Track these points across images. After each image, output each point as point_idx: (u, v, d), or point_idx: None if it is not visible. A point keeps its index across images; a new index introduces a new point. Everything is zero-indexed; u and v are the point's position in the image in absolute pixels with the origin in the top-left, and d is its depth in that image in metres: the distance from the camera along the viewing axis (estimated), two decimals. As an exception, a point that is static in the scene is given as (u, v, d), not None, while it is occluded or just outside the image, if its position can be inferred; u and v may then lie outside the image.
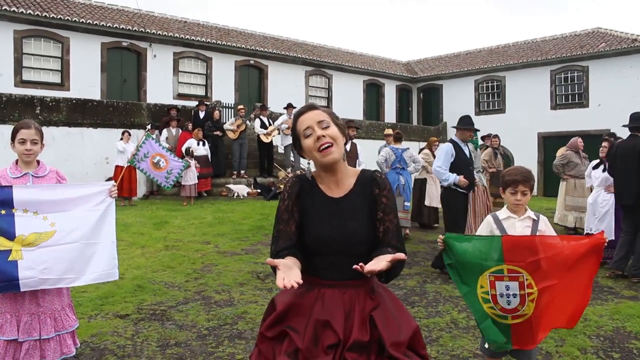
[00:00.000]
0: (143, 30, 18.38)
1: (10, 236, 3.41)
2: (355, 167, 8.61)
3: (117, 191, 3.74)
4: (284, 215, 2.30)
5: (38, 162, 3.68)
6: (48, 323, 3.51)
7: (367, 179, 2.28)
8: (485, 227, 3.41)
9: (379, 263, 1.93)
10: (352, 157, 9.38)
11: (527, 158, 21.14)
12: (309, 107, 2.27)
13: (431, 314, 5.38)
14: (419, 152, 11.52)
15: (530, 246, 2.96)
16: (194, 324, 5.04)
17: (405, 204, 9.31)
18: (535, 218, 3.32)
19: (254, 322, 5.04)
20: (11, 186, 3.44)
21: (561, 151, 10.80)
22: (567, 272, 2.92)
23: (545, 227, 3.32)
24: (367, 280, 2.19)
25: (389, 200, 2.25)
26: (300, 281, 1.88)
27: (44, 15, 16.21)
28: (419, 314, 5.33)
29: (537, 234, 3.23)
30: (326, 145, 2.16)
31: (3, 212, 3.40)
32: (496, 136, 11.78)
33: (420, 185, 10.94)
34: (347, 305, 2.12)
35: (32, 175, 3.59)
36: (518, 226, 3.30)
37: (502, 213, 3.39)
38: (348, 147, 9.18)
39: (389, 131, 10.89)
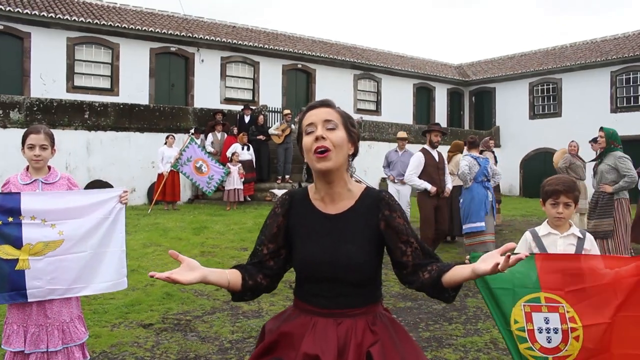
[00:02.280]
0: (191, 36, 18.55)
1: (18, 245, 3.29)
2: (443, 179, 7.93)
3: (127, 197, 3.57)
4: (263, 234, 2.05)
5: (49, 167, 3.54)
6: (55, 335, 3.37)
7: (372, 198, 1.97)
8: (523, 245, 3.04)
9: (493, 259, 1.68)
10: (437, 167, 8.02)
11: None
12: (322, 103, 1.98)
13: (469, 332, 5.00)
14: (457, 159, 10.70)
15: (572, 271, 2.57)
16: (217, 335, 4.84)
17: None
18: (581, 236, 2.93)
19: (279, 336, 4.80)
20: (19, 193, 3.32)
21: (558, 155, 10.60)
22: (620, 308, 2.50)
23: (591, 247, 2.93)
24: (368, 308, 1.91)
25: (405, 222, 1.96)
26: (183, 281, 1.74)
27: (95, 22, 16.58)
28: (456, 332, 4.96)
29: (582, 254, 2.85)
30: (322, 150, 1.85)
31: (11, 219, 3.29)
32: (492, 138, 11.16)
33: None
34: (342, 338, 1.83)
35: (42, 182, 3.46)
36: (560, 244, 2.92)
37: (542, 229, 3.01)
38: (435, 156, 8.05)
39: (403, 134, 10.45)
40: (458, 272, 1.80)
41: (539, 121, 23.33)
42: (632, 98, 21.00)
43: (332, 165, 1.88)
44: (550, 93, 23.46)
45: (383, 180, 15.63)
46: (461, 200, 7.47)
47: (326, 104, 1.97)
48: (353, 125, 1.99)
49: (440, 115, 26.09)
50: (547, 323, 2.56)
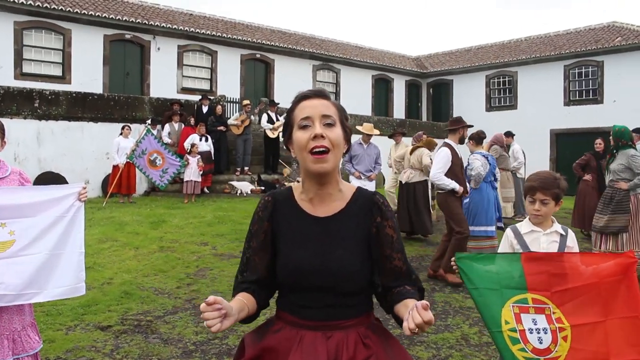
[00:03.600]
0: (147, 23, 17.97)
1: (-38, 246, 3.00)
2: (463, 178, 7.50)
3: (86, 194, 3.31)
4: (252, 242, 1.86)
5: (-2, 161, 3.25)
6: (5, 345, 3.09)
7: (365, 201, 1.82)
8: (505, 242, 2.95)
9: (416, 316, 1.42)
10: (462, 165, 7.34)
11: (539, 155, 20.54)
12: (318, 93, 1.79)
13: (440, 328, 4.94)
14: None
15: (557, 270, 2.49)
16: (180, 337, 4.63)
17: (499, 224, 7.72)
18: (564, 233, 2.86)
19: (246, 336, 4.62)
20: (-36, 190, 3.03)
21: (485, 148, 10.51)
22: (608, 310, 2.44)
23: (573, 244, 2.87)
24: (360, 319, 1.75)
25: (395, 234, 1.80)
26: (221, 329, 1.53)
27: (44, 6, 15.81)
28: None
29: (565, 251, 2.78)
30: (322, 150, 1.68)
31: (-45, 218, 3.00)
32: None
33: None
34: (332, 354, 1.67)
35: (-10, 177, 3.17)
36: (543, 241, 2.85)
37: (525, 226, 2.93)
38: (460, 153, 7.37)
39: (372, 128, 9.72)
40: (401, 310, 1.68)
41: (496, 113, 23.67)
42: (583, 92, 21.52)
43: (329, 168, 1.72)
44: (507, 86, 23.82)
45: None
46: (467, 201, 7.26)
47: (322, 94, 1.80)
48: (347, 118, 1.83)
49: (399, 107, 26.21)
50: (535, 324, 2.49)
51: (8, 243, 3.10)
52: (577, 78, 21.70)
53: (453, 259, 2.61)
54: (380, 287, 1.79)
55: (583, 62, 21.43)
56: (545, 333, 2.45)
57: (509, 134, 12.33)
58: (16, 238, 3.11)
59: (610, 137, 7.00)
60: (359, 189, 1.87)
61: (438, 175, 6.65)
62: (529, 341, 2.46)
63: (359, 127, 9.81)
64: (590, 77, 21.33)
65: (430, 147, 9.71)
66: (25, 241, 3.12)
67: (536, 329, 2.46)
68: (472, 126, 7.38)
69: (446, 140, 7.04)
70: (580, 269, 2.54)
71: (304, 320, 1.73)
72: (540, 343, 2.45)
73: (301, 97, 1.79)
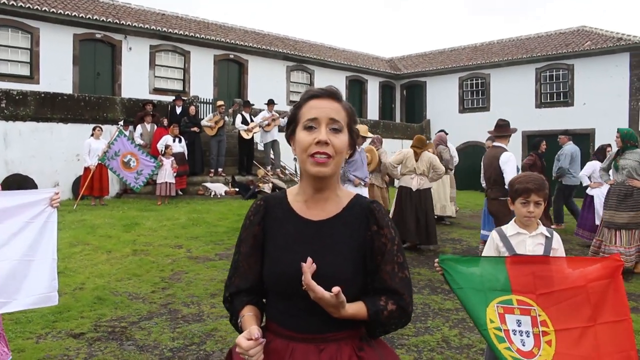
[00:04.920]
0: (118, 22, 17.62)
1: None
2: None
3: (59, 200, 3.18)
4: (242, 247, 1.78)
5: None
6: (-27, 356, 2.96)
7: (362, 209, 1.73)
8: (490, 245, 2.92)
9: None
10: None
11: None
12: (330, 94, 1.69)
13: (420, 330, 4.90)
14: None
15: (542, 273, 2.47)
16: (156, 344, 4.50)
17: None
18: (549, 235, 2.84)
19: (224, 342, 4.52)
20: None
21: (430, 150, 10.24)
22: (596, 314, 2.42)
23: (558, 246, 2.86)
24: (354, 330, 1.67)
25: (391, 245, 1.68)
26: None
27: (11, 3, 15.34)
28: (406, 331, 4.84)
29: (551, 253, 2.76)
30: (323, 157, 1.61)
31: None
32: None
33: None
34: None
35: (-44, 181, 3.02)
36: (529, 244, 2.83)
37: (510, 228, 2.91)
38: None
39: (366, 130, 9.45)
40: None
41: (469, 115, 23.89)
42: (554, 94, 21.85)
43: (329, 173, 1.64)
44: (479, 88, 24.05)
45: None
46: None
47: (334, 96, 1.70)
48: (355, 122, 1.74)
49: (372, 108, 26.28)
50: (519, 326, 2.47)
51: (-24, 249, 2.97)
52: (548, 81, 22.02)
53: (437, 260, 2.57)
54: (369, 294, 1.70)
55: (554, 65, 21.76)
56: (528, 336, 2.44)
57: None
58: (-16, 244, 2.97)
59: (618, 138, 7.35)
60: (357, 196, 1.79)
61: None
62: (513, 342, 2.44)
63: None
64: (561, 80, 21.66)
65: (427, 148, 9.43)
66: (-6, 247, 2.99)
67: (519, 331, 2.45)
68: (515, 130, 7.50)
69: (501, 144, 6.99)
70: (566, 272, 2.53)
71: (294, 332, 1.65)
72: (523, 345, 2.44)
73: (311, 95, 1.70)
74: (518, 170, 7.16)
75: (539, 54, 22.05)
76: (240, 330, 1.67)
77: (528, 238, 2.84)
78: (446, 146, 11.43)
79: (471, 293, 2.51)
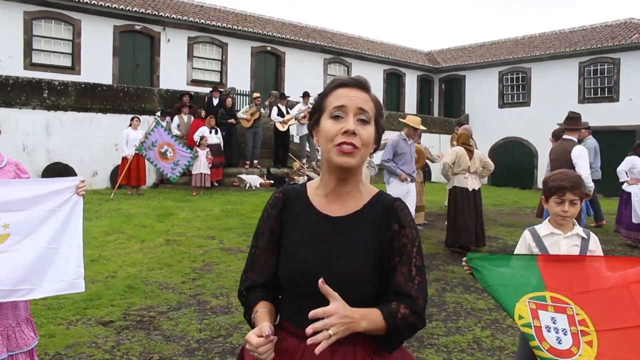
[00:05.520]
0: (157, 14, 17.83)
1: (-45, 239, 2.89)
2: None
3: (85, 188, 3.17)
4: (259, 240, 1.72)
5: (-6, 151, 3.12)
6: (-1, 341, 2.98)
7: (383, 206, 1.63)
8: (522, 245, 2.79)
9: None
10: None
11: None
12: (359, 84, 1.61)
13: (450, 330, 4.78)
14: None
15: (578, 273, 2.33)
16: (183, 334, 4.50)
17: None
18: (585, 236, 2.69)
19: (250, 335, 4.48)
20: (-43, 181, 2.91)
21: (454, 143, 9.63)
22: (638, 312, 2.27)
23: (596, 248, 2.70)
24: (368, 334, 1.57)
25: (412, 245, 1.58)
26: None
27: (54, -4, 15.73)
28: (437, 331, 4.73)
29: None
30: (350, 147, 1.53)
31: (-53, 211, 2.88)
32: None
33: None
34: None
35: (-15, 168, 3.04)
36: (563, 245, 2.68)
37: (544, 228, 2.76)
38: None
39: (419, 122, 8.30)
40: None
41: (508, 110, 23.38)
42: (599, 89, 21.16)
43: (354, 164, 1.55)
44: (520, 82, 23.49)
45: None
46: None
47: (363, 85, 1.62)
48: (382, 116, 1.66)
49: (410, 102, 25.97)
50: (554, 322, 2.32)
51: (2, 237, 2.98)
52: (592, 75, 21.33)
53: (464, 259, 2.45)
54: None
55: (599, 59, 21.05)
56: (565, 334, 2.29)
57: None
58: (11, 232, 2.99)
59: None
60: (380, 192, 1.69)
61: (589, 177, 6.35)
62: (545, 339, 2.29)
63: (404, 120, 8.41)
64: (605, 74, 20.95)
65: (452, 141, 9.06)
66: (20, 235, 3.01)
67: (554, 328, 2.30)
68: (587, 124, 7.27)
69: (571, 137, 6.73)
70: (604, 274, 2.38)
71: None
72: (559, 343, 2.28)
73: (340, 84, 1.62)
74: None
75: (582, 47, 21.37)
76: (253, 326, 1.62)
77: (563, 239, 2.70)
78: (472, 138, 10.84)
79: (500, 289, 2.40)
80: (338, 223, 1.61)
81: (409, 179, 7.90)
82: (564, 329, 2.30)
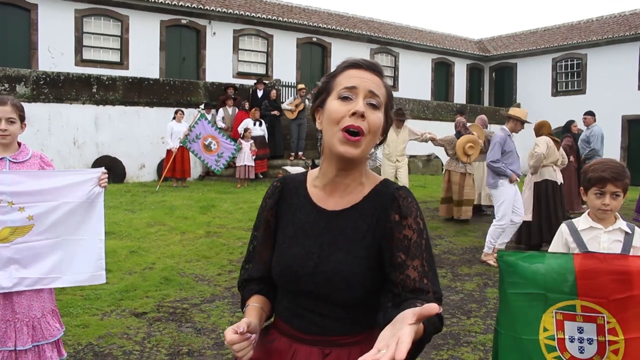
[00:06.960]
0: (202, 8, 17.99)
1: (-19, 230, 2.91)
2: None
3: (106, 180, 3.15)
4: (257, 232, 1.61)
5: (19, 144, 3.13)
6: (25, 332, 3.00)
7: (384, 196, 1.48)
8: (558, 240, 2.57)
9: (392, 347, 0.97)
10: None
11: (609, 143, 19.35)
12: (372, 66, 1.47)
13: (489, 327, 4.57)
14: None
15: (619, 274, 2.12)
16: (214, 327, 4.47)
17: None
18: (629, 231, 2.45)
19: (281, 329, 4.41)
20: (-18, 172, 2.93)
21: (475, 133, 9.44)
22: None
23: (640, 244, 2.46)
24: (365, 336, 1.45)
25: (417, 237, 1.42)
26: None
27: (104, -7, 16.09)
28: (475, 327, 4.54)
29: (631, 252, 2.38)
30: (355, 131, 1.38)
31: (-27, 202, 2.91)
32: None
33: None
34: None
35: (10, 160, 3.05)
36: (604, 240, 2.45)
37: (582, 222, 2.54)
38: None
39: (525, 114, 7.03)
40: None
41: (562, 98, 22.52)
42: (660, 75, 20.11)
43: (358, 154, 1.41)
44: (575, 69, 22.58)
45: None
46: None
47: (376, 69, 1.48)
48: (392, 107, 1.51)
49: (459, 92, 25.40)
50: (580, 333, 2.16)
51: (27, 228, 3.01)
52: (653, 60, 20.27)
53: (495, 256, 2.28)
54: (390, 303, 1.39)
55: (661, 43, 19.99)
56: (590, 344, 2.13)
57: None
58: (35, 223, 3.01)
59: None
60: (384, 181, 1.54)
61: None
62: (566, 349, 2.16)
63: (511, 113, 7.09)
64: (668, 59, 19.88)
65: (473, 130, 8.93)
66: (44, 226, 3.03)
67: (579, 338, 2.15)
68: None
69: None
70: None
71: (298, 332, 1.47)
72: (581, 353, 2.14)
73: (351, 64, 1.49)
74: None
75: (644, 31, 20.32)
76: None
77: (603, 234, 2.47)
78: (467, 128, 9.86)
79: (528, 297, 2.22)
80: (333, 218, 1.49)
81: (518, 180, 6.95)
82: (590, 339, 2.15)
